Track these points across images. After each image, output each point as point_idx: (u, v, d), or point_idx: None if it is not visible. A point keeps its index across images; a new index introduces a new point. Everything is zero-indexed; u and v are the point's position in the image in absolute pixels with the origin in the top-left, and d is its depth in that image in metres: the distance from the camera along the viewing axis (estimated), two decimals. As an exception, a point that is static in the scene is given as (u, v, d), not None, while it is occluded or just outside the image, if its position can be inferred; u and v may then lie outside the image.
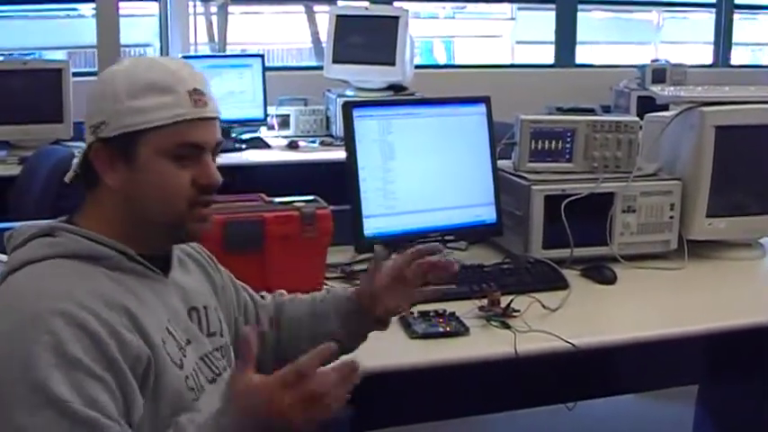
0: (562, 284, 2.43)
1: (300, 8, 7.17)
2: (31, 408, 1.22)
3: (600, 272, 2.55)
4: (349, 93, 5.19)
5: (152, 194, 1.44)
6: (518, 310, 2.18)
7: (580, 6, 6.78)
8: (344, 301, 1.82)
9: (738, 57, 7.35)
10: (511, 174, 2.73)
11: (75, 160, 1.50)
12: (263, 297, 1.88)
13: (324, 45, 5.53)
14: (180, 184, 1.45)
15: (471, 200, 2.65)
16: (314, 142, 5.12)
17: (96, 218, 1.47)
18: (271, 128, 5.26)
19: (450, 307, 2.16)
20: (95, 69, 5.30)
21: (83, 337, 1.27)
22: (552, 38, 6.74)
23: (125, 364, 1.30)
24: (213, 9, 6.16)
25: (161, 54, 5.78)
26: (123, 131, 1.42)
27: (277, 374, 1.27)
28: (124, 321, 1.34)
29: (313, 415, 1.26)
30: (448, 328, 2.09)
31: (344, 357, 1.82)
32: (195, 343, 1.51)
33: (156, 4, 5.88)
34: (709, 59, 7.25)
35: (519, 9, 8.70)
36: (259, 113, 5.20)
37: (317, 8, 7.05)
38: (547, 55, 6.83)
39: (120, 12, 4.99)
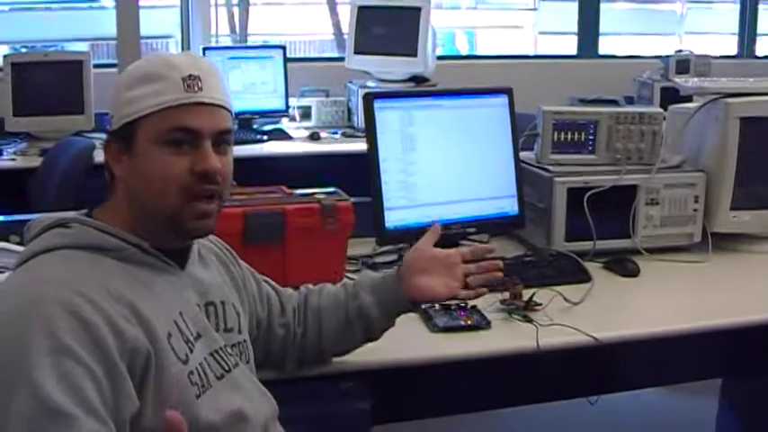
0: (585, 277, 2.41)
1: (322, -1, 7.18)
2: (10, 390, 1.21)
3: (623, 265, 2.54)
4: (371, 84, 5.17)
5: (147, 183, 1.44)
6: (540, 304, 2.17)
7: (603, -4, 6.73)
8: (380, 276, 1.86)
9: (763, 48, 7.28)
10: (533, 166, 2.71)
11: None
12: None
13: (345, 36, 5.52)
14: (174, 171, 1.43)
15: (493, 192, 2.63)
16: (335, 133, 5.11)
17: (112, 210, 1.49)
18: (292, 119, 5.26)
19: (471, 300, 2.15)
20: (116, 61, 5.31)
21: (76, 325, 1.27)
22: (575, 29, 6.69)
23: (120, 355, 1.29)
24: (235, 0, 6.17)
25: (182, 46, 5.80)
26: (122, 123, 1.45)
27: None
28: (125, 313, 1.34)
29: None
30: (469, 322, 2.08)
31: (369, 346, 1.85)
32: (206, 338, 1.50)
33: (177, -5, 5.88)
34: (733, 50, 7.19)
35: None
36: (281, 105, 5.20)
37: (338, -1, 7.05)
38: (570, 46, 6.79)
39: (141, 3, 4.99)
